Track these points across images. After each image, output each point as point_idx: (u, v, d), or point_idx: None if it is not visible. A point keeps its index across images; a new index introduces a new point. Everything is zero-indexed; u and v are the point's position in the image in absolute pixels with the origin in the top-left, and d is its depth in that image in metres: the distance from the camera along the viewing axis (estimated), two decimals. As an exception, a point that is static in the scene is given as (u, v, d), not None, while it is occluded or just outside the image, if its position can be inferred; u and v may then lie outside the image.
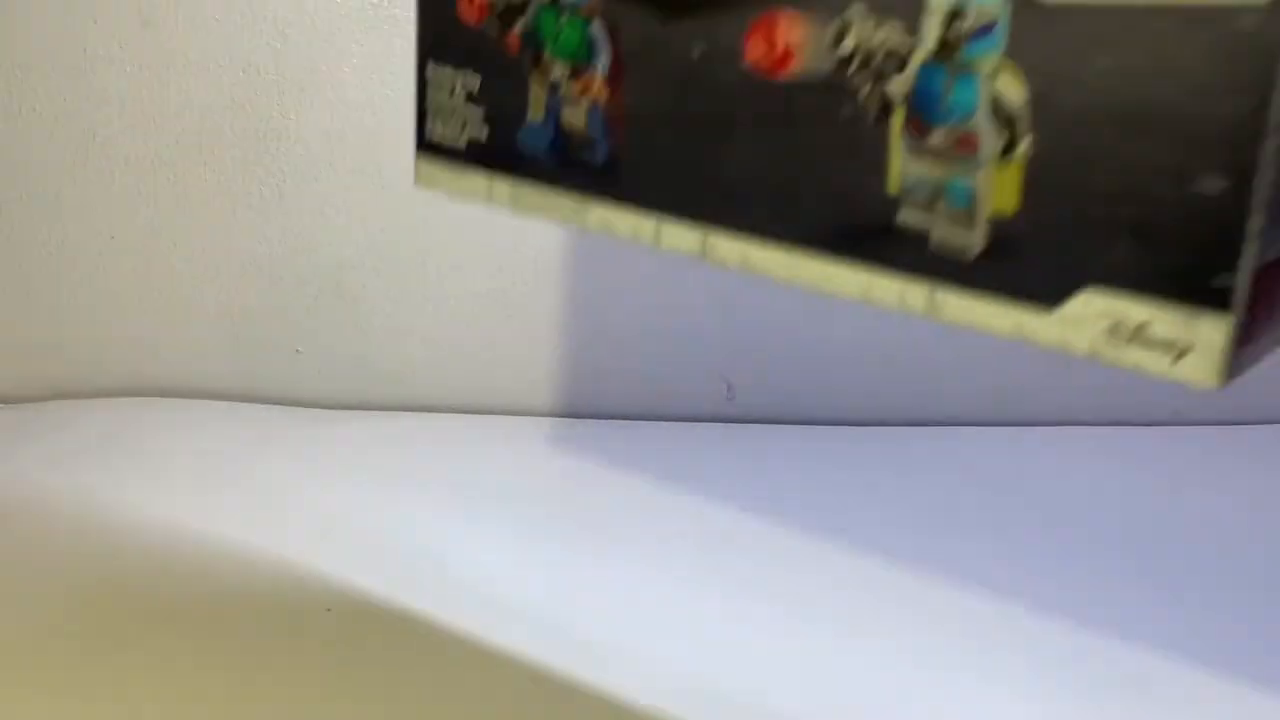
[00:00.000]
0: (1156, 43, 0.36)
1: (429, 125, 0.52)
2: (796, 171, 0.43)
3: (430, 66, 0.51)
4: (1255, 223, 0.36)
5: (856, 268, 0.42)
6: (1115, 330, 0.38)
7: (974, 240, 0.40)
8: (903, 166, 0.41)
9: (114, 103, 0.89)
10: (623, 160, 0.47)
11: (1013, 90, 0.39)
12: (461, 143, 0.51)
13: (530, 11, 0.48)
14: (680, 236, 0.46)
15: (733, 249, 0.45)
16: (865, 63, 0.41)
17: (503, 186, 0.50)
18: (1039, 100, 0.38)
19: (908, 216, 0.41)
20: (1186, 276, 0.37)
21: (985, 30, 0.39)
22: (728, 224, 0.45)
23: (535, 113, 0.49)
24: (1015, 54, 0.38)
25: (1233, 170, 0.35)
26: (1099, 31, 0.37)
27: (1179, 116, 0.36)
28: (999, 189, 0.39)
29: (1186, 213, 0.36)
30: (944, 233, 0.41)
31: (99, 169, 0.91)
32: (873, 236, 0.42)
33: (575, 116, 0.48)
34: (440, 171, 0.52)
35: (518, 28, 0.48)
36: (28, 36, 0.88)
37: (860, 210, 0.42)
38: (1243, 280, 0.36)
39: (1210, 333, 0.37)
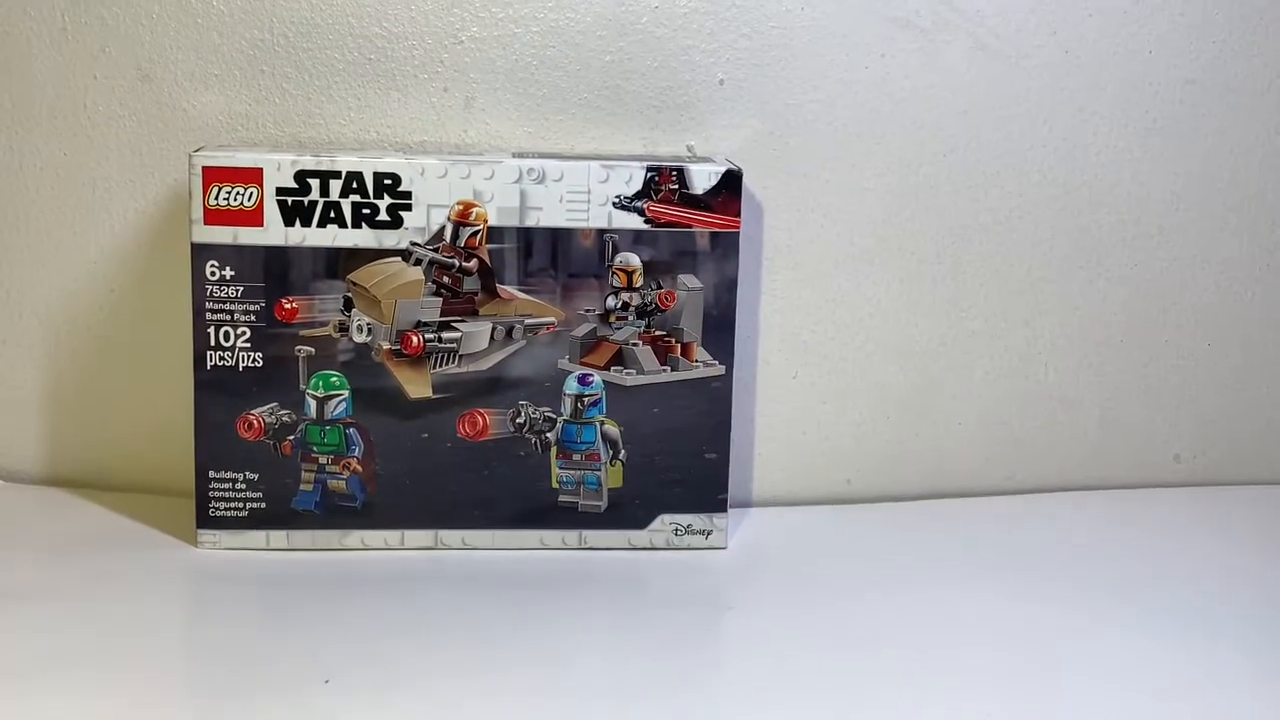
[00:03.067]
0: (677, 396, 0.80)
1: (211, 508, 0.79)
2: (494, 486, 0.80)
3: (210, 473, 0.78)
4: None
5: (536, 529, 0.80)
6: (677, 531, 0.81)
7: (603, 504, 0.81)
8: (558, 473, 0.80)
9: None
10: (375, 503, 0.79)
11: (613, 429, 0.80)
12: (244, 513, 0.79)
13: (300, 429, 0.78)
14: (417, 538, 0.80)
15: (454, 536, 0.80)
16: (532, 427, 0.79)
17: (278, 535, 0.79)
18: (625, 432, 0.80)
19: (563, 498, 0.80)
20: (705, 499, 0.81)
21: (595, 403, 0.80)
22: (450, 525, 0.80)
23: (306, 485, 0.79)
24: (612, 412, 0.80)
25: (719, 447, 0.80)
26: (650, 396, 0.80)
27: (692, 428, 0.80)
28: (611, 477, 0.80)
29: (703, 469, 0.81)
30: (586, 503, 0.80)
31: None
32: (545, 511, 0.80)
33: (338, 484, 0.79)
34: (223, 535, 0.79)
35: (290, 439, 0.78)
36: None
37: (536, 499, 0.80)
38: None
39: (719, 522, 0.81)
